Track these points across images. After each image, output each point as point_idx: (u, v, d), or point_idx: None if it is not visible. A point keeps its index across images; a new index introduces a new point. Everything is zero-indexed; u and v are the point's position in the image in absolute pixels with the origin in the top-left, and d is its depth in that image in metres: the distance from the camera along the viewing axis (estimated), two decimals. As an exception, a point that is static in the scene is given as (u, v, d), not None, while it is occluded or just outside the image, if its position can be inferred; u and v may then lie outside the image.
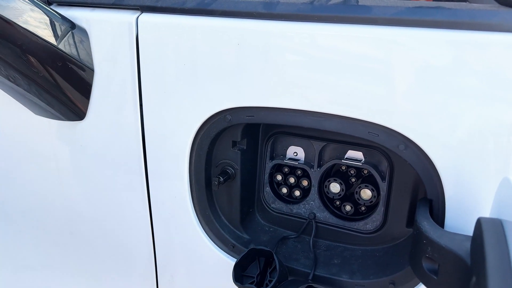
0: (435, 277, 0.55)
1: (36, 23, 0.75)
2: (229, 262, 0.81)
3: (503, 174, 0.57)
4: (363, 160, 0.76)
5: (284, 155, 0.83)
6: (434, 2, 0.58)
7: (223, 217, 0.83)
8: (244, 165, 0.80)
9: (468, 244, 0.52)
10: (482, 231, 0.45)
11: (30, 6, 0.75)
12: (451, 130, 0.58)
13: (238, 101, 0.70)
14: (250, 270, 0.74)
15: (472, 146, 0.57)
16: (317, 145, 0.78)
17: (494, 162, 0.57)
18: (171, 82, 0.74)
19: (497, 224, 0.45)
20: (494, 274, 0.38)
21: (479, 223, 0.47)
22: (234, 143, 0.79)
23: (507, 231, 0.43)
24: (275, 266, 0.71)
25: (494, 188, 0.51)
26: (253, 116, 0.71)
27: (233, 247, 0.81)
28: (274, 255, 0.70)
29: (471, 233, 0.51)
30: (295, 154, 0.82)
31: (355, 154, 0.77)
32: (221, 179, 0.77)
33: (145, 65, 0.76)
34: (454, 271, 0.52)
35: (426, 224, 0.57)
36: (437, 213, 0.62)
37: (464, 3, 0.57)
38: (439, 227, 0.57)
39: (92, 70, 0.81)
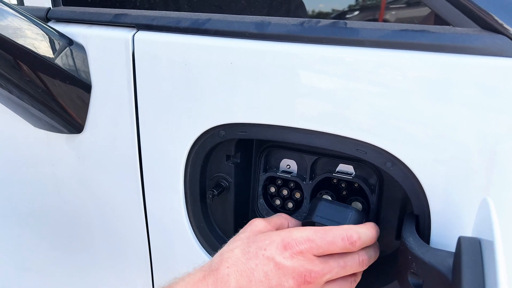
0: (420, 292, 0.57)
1: (34, 40, 0.77)
2: (223, 272, 0.83)
3: (486, 191, 0.59)
4: (354, 173, 0.78)
5: (277, 168, 0.85)
6: (419, 25, 0.60)
7: (218, 229, 0.85)
8: (238, 178, 0.82)
9: (450, 261, 0.54)
10: (461, 250, 0.47)
11: (27, 24, 0.77)
12: (437, 149, 0.60)
13: (231, 118, 0.72)
14: None
15: (457, 164, 0.59)
16: (309, 159, 0.80)
17: (477, 180, 0.59)
18: (166, 98, 0.76)
19: (475, 243, 0.47)
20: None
21: (459, 241, 0.50)
22: (228, 157, 0.80)
23: (483, 250, 0.45)
24: None
25: (477, 205, 0.53)
26: (246, 132, 0.73)
27: (227, 258, 0.83)
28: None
29: (454, 249, 0.53)
30: (288, 166, 0.84)
31: (346, 168, 0.79)
32: (215, 192, 0.79)
33: (141, 81, 0.78)
34: (437, 287, 0.54)
35: (412, 240, 0.59)
36: (423, 228, 0.64)
37: (448, 26, 0.59)
38: (424, 243, 0.59)
39: (90, 85, 0.83)
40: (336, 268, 0.62)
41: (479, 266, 0.43)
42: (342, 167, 0.79)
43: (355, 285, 0.66)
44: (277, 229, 0.70)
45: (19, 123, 0.94)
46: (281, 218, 0.73)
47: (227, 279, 0.61)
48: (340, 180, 0.81)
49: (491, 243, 0.42)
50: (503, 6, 0.57)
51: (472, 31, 0.57)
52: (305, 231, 0.63)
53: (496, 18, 0.56)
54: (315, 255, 0.61)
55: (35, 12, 0.87)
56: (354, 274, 0.66)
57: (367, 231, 0.64)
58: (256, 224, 0.69)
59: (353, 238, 0.61)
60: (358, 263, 0.64)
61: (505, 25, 0.55)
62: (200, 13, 0.74)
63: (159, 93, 0.77)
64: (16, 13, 0.77)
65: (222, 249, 0.67)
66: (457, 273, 0.47)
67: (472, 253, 0.45)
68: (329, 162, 0.80)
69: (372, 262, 0.66)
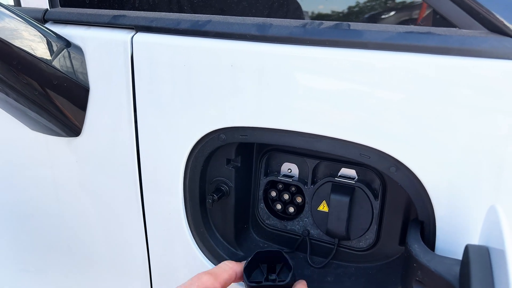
0: (425, 300, 0.56)
1: (31, 41, 0.75)
2: (223, 278, 0.81)
3: (493, 196, 0.58)
4: (356, 178, 0.76)
5: (279, 172, 0.83)
6: (425, 27, 0.58)
7: (217, 234, 0.83)
8: (238, 182, 0.81)
9: (457, 269, 0.52)
10: (469, 258, 0.46)
11: (24, 25, 0.76)
12: (442, 153, 0.58)
13: (231, 121, 0.70)
14: (254, 276, 0.71)
15: (463, 170, 0.58)
16: (311, 163, 0.79)
17: (484, 185, 0.58)
18: (165, 100, 0.75)
19: (484, 252, 0.46)
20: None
21: (467, 250, 0.48)
22: (228, 161, 0.79)
23: (492, 259, 0.44)
24: (282, 267, 0.69)
25: (484, 211, 0.52)
26: (247, 135, 0.71)
27: (227, 263, 0.81)
28: (285, 254, 0.68)
29: (461, 256, 0.52)
30: (289, 170, 0.83)
31: (348, 172, 0.77)
32: (215, 197, 0.78)
33: (140, 83, 0.76)
34: (444, 296, 0.52)
35: (417, 247, 0.58)
36: (428, 235, 0.63)
37: (454, 29, 0.57)
38: (429, 251, 0.57)
39: (88, 88, 0.82)
40: None
41: (489, 275, 0.42)
42: (344, 171, 0.78)
43: None
44: (224, 285, 0.68)
45: (18, 126, 0.93)
46: (229, 271, 0.69)
47: None
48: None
49: (501, 252, 0.40)
50: (511, 8, 0.55)
51: (479, 33, 0.56)
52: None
53: (504, 20, 0.55)
54: None
55: (32, 13, 0.86)
56: None
57: None
58: (203, 282, 0.67)
59: None
60: None
61: (512, 27, 0.54)
62: (200, 15, 0.73)
63: (158, 96, 0.75)
64: (12, 14, 0.75)
65: None
66: (465, 282, 0.46)
67: (481, 262, 0.44)
68: (331, 166, 0.79)
69: None
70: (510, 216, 0.54)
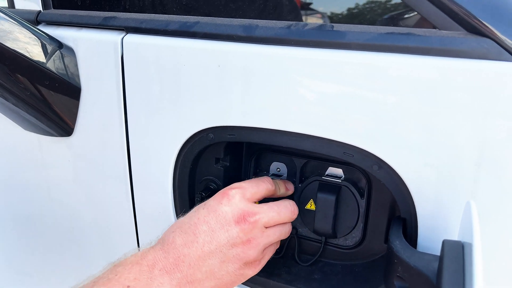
0: (406, 296, 0.57)
1: (24, 43, 0.77)
2: (213, 276, 0.82)
3: (473, 194, 0.59)
4: (343, 177, 0.77)
5: (268, 171, 0.85)
6: (405, 28, 0.60)
7: (206, 232, 0.84)
8: (227, 181, 0.82)
9: (436, 264, 0.53)
10: (444, 253, 0.47)
11: (17, 27, 0.77)
12: (423, 152, 0.60)
13: (219, 121, 0.72)
14: None
15: (444, 168, 0.59)
16: (299, 162, 0.80)
17: (464, 183, 0.59)
18: (155, 100, 0.76)
19: (458, 247, 0.47)
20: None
21: (443, 245, 0.49)
22: (217, 160, 0.80)
23: (466, 253, 0.45)
24: None
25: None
26: (235, 135, 0.72)
27: (217, 261, 0.82)
28: None
29: (441, 252, 0.53)
30: (278, 170, 0.84)
31: (335, 171, 0.78)
32: (204, 195, 0.79)
33: (130, 84, 0.78)
34: (422, 291, 0.53)
35: (398, 244, 0.59)
36: (410, 232, 0.64)
37: (433, 29, 0.58)
38: (410, 247, 0.58)
39: (79, 88, 0.83)
40: (271, 212, 0.68)
41: (460, 270, 0.43)
42: (331, 170, 0.79)
43: (290, 231, 0.74)
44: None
45: (10, 126, 0.94)
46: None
47: (172, 240, 0.65)
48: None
49: (471, 246, 0.42)
50: (489, 9, 0.56)
51: (458, 34, 0.57)
52: (238, 182, 0.72)
53: (482, 21, 0.56)
54: (248, 199, 0.69)
55: (25, 15, 0.87)
56: (287, 223, 0.73)
57: (280, 182, 0.78)
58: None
59: (270, 180, 0.74)
60: (290, 211, 0.71)
61: (490, 28, 0.55)
62: (189, 16, 0.74)
63: (148, 95, 0.76)
64: (5, 16, 0.76)
65: None
66: (439, 277, 0.47)
67: (453, 257, 0.45)
68: (319, 165, 0.80)
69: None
70: (487, 211, 0.56)
